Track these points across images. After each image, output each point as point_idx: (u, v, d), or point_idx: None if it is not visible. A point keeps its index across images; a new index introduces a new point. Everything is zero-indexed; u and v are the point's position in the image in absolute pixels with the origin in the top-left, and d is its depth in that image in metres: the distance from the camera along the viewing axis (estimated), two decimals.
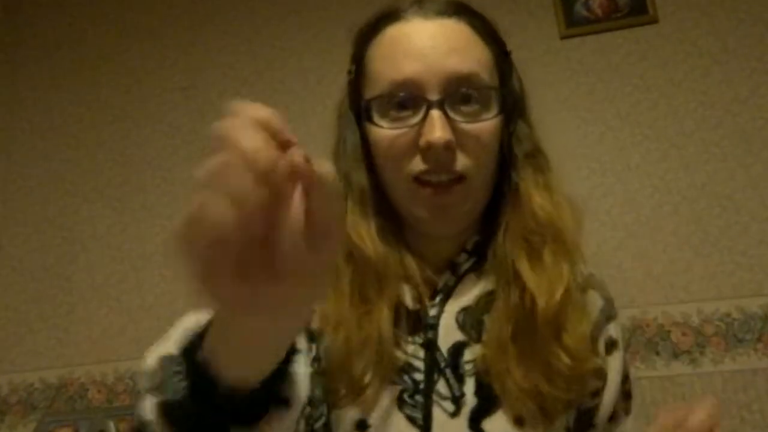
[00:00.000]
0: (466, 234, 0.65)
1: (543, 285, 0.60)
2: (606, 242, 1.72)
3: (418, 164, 0.58)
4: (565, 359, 0.59)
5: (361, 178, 0.63)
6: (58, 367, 1.96)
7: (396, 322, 0.60)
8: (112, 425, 1.69)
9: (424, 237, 0.63)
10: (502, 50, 0.64)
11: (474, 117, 0.58)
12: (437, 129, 0.55)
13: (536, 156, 0.65)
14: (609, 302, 0.70)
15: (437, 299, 0.64)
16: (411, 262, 0.62)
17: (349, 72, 0.66)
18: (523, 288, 0.60)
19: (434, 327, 0.62)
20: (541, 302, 0.59)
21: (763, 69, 1.78)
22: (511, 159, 0.64)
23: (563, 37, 1.91)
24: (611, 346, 0.67)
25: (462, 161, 0.58)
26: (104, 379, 1.92)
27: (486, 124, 0.59)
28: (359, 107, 0.63)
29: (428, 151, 0.56)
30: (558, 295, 0.59)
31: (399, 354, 0.60)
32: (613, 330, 0.68)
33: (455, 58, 0.58)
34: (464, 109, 0.58)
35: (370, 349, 0.57)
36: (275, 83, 2.07)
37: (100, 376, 1.92)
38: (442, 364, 0.61)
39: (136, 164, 2.10)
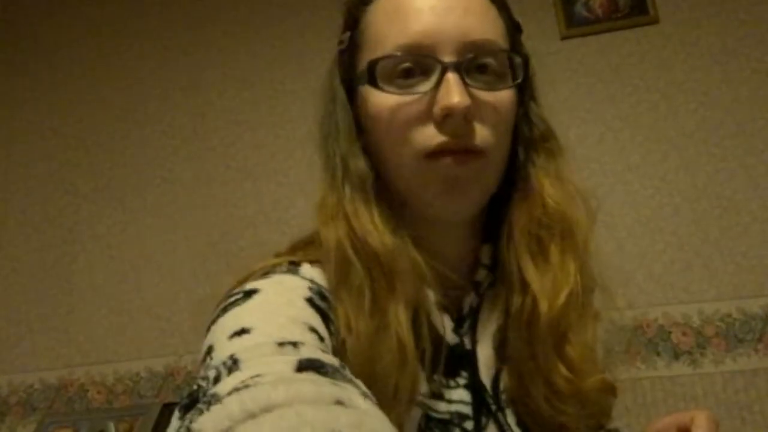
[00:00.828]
0: (473, 233, 0.59)
1: (547, 286, 0.53)
2: (606, 243, 1.71)
3: (430, 137, 0.50)
4: (565, 372, 0.53)
5: (359, 160, 0.54)
6: (58, 368, 1.95)
7: (422, 360, 0.50)
8: (111, 426, 1.69)
9: (430, 230, 0.55)
10: (514, 24, 0.58)
11: (491, 85, 0.51)
12: (455, 93, 0.48)
13: (548, 139, 0.58)
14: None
15: (465, 326, 0.56)
16: (420, 260, 0.53)
17: (341, 41, 0.59)
18: (525, 291, 0.54)
19: (474, 361, 0.55)
20: (543, 306, 0.52)
21: (763, 69, 1.78)
22: (522, 141, 0.58)
23: (564, 38, 1.91)
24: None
25: (481, 134, 0.50)
26: (104, 380, 1.92)
27: (504, 94, 0.52)
28: (351, 81, 0.56)
29: (445, 119, 0.49)
30: (562, 297, 0.53)
31: (443, 406, 0.52)
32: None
33: (471, 20, 0.51)
34: (480, 76, 0.51)
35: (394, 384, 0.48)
36: (275, 83, 2.07)
37: (99, 377, 1.92)
38: (492, 406, 0.54)
39: (136, 164, 2.09)
